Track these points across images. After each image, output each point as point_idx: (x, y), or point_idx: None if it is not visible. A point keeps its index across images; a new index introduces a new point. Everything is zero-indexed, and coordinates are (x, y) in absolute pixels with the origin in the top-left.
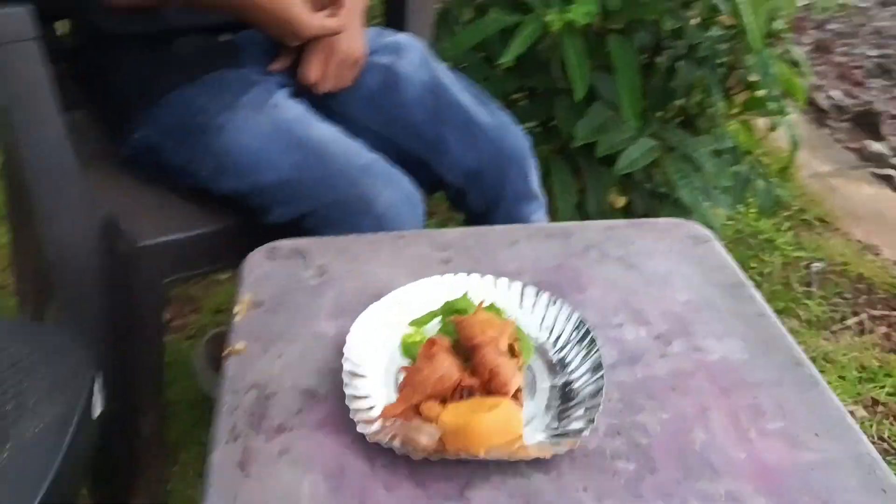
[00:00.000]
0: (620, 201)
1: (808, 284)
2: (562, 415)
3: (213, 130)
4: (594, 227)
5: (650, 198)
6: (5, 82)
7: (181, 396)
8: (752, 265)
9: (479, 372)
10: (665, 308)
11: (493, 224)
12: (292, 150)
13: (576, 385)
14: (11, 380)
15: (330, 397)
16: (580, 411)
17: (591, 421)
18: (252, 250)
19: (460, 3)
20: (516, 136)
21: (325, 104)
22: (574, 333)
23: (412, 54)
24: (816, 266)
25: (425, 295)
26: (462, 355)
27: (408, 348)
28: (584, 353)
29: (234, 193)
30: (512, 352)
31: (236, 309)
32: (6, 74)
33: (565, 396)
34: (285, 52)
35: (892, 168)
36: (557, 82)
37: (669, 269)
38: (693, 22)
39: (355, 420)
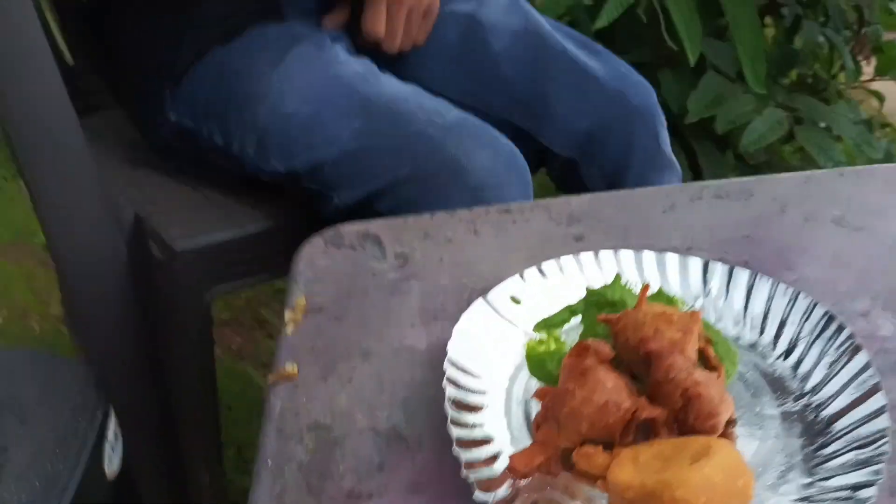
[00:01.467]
0: None
1: None
2: (814, 458)
3: (254, 99)
4: (786, 181)
5: None
6: None
7: (253, 438)
8: None
9: (667, 395)
10: None
11: None
12: (356, 113)
13: (828, 410)
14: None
15: (426, 442)
16: (847, 455)
17: (877, 473)
18: None
19: None
20: (640, 87)
21: (391, 67)
22: (805, 326)
23: None
24: None
25: (553, 284)
26: (627, 372)
27: (537, 363)
28: (832, 356)
29: (288, 176)
30: (705, 362)
31: (287, 317)
32: None
33: (811, 429)
34: (341, 3)
35: None
36: (660, 52)
37: None
38: None
39: (470, 481)
